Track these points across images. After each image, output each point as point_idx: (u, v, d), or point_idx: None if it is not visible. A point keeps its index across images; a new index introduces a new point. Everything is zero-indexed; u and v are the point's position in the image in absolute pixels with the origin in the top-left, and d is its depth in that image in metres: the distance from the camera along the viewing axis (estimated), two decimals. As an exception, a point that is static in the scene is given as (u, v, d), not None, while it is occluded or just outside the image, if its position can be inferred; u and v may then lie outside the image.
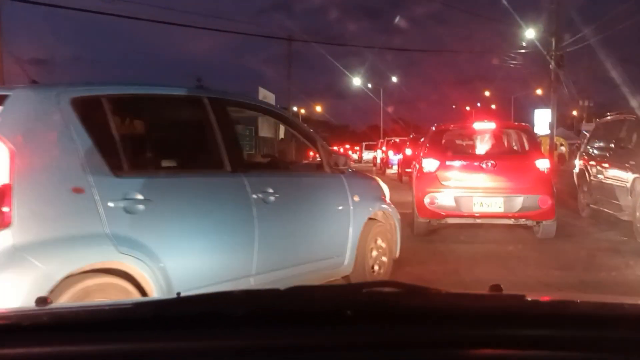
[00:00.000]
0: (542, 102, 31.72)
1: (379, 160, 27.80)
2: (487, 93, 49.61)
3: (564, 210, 9.41)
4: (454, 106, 55.88)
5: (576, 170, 10.26)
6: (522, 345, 1.06)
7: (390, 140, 28.68)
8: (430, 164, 7.55)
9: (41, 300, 1.26)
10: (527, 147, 7.90)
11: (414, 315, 1.14)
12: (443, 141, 8.24)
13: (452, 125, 8.84)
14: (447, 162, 7.56)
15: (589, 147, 9.99)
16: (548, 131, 24.78)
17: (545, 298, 1.34)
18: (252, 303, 1.23)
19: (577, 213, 9.64)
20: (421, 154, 8.15)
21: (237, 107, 4.15)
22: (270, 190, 3.79)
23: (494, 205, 7.20)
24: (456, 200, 7.28)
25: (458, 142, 9.65)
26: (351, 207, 4.61)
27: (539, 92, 34.36)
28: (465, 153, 8.77)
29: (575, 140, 26.51)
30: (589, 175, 9.39)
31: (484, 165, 7.38)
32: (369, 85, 41.29)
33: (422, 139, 12.35)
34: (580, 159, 10.18)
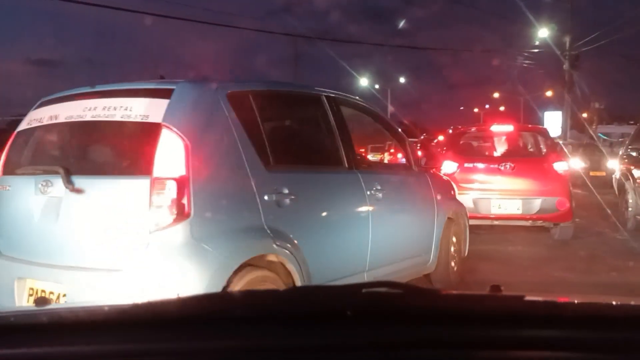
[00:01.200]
0: (552, 104, 31.21)
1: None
2: (496, 95, 48.81)
3: (603, 221, 8.52)
4: (461, 108, 55.68)
5: (616, 175, 9.02)
6: (522, 346, 1.05)
7: (399, 142, 28.15)
8: (448, 167, 7.52)
9: (41, 301, 1.27)
10: (544, 149, 7.86)
11: (413, 315, 1.13)
12: (461, 143, 8.22)
13: (469, 128, 8.81)
14: (466, 165, 7.55)
15: (630, 149, 8.83)
16: (559, 133, 24.31)
17: (544, 298, 1.32)
18: (252, 303, 1.23)
19: (616, 225, 8.18)
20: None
21: (346, 105, 4.16)
22: (379, 187, 3.86)
23: (512, 207, 7.15)
24: (475, 202, 7.23)
25: (475, 144, 9.60)
26: (435, 206, 4.66)
27: (549, 94, 33.82)
28: (483, 155, 8.72)
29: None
30: (634, 181, 8.10)
31: (502, 168, 7.36)
32: (376, 86, 40.54)
33: (435, 141, 12.27)
34: (621, 163, 8.93)
